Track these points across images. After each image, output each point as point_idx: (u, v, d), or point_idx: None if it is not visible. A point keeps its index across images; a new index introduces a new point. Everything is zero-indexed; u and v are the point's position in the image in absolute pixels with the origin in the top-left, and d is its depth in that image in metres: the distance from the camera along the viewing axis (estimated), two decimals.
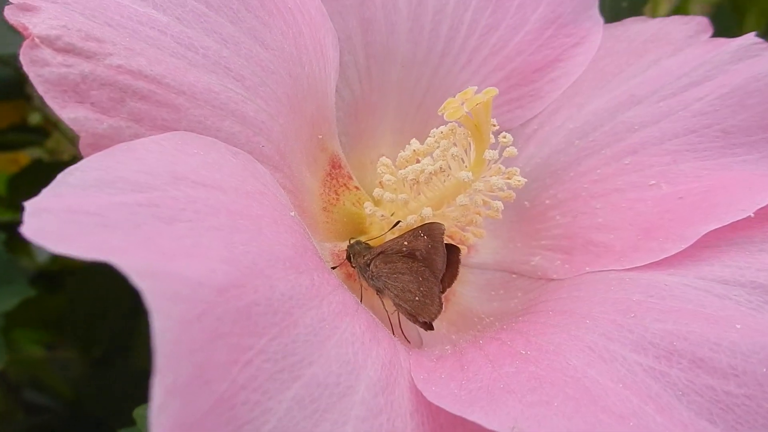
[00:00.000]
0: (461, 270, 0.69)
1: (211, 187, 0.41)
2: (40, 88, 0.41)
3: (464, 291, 0.68)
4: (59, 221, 0.33)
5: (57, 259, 1.57)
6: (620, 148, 0.66)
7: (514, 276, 0.68)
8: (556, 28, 0.75)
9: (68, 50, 0.42)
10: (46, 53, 0.41)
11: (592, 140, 0.68)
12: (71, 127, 0.41)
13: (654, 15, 1.18)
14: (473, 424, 0.44)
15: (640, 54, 0.72)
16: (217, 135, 0.48)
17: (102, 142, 0.42)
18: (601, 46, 0.75)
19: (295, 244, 0.44)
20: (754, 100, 0.59)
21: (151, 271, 0.30)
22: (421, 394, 0.42)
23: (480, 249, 0.72)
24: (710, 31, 0.70)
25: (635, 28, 0.75)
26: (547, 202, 0.69)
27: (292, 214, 0.48)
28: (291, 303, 0.39)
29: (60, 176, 0.37)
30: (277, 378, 0.35)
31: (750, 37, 0.63)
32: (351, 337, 0.42)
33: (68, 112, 0.41)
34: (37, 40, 0.41)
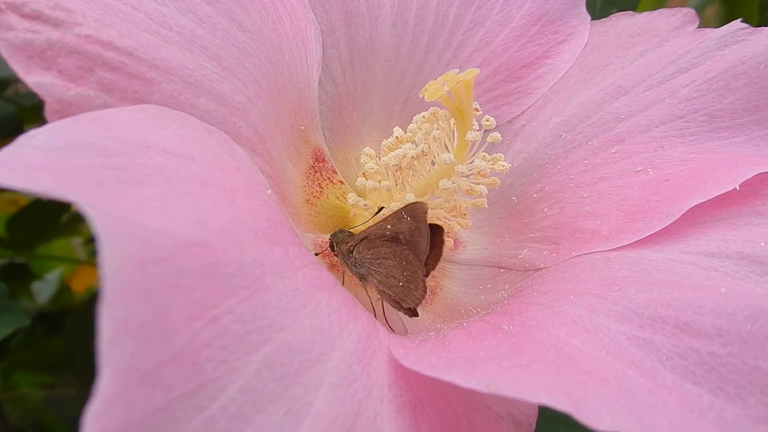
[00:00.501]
0: (449, 266, 0.68)
1: (182, 157, 0.40)
2: (4, 51, 0.40)
3: (451, 286, 0.67)
4: (16, 173, 0.32)
5: (57, 299, 1.57)
6: (607, 138, 0.65)
7: (502, 270, 0.67)
8: (543, 24, 0.75)
9: (35, 17, 0.41)
10: (12, 18, 0.40)
11: (580, 132, 0.67)
12: (36, 92, 0.40)
13: None
14: (455, 401, 0.43)
15: (627, 47, 0.71)
16: (192, 111, 0.47)
17: (69, 110, 0.41)
18: (588, 42, 0.75)
19: (269, 217, 0.43)
20: (739, 83, 0.58)
21: (108, 210, 0.30)
22: (401, 368, 0.41)
23: (468, 245, 0.71)
24: (697, 22, 0.69)
25: (622, 23, 0.74)
26: (535, 195, 0.68)
27: (269, 192, 0.47)
28: (263, 269, 0.37)
29: (22, 138, 0.36)
30: (246, 339, 0.34)
31: (736, 23, 0.62)
32: (327, 309, 0.40)
33: (33, 77, 0.40)
34: (2, 5, 0.40)
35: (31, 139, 0.36)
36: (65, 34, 0.42)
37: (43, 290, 1.60)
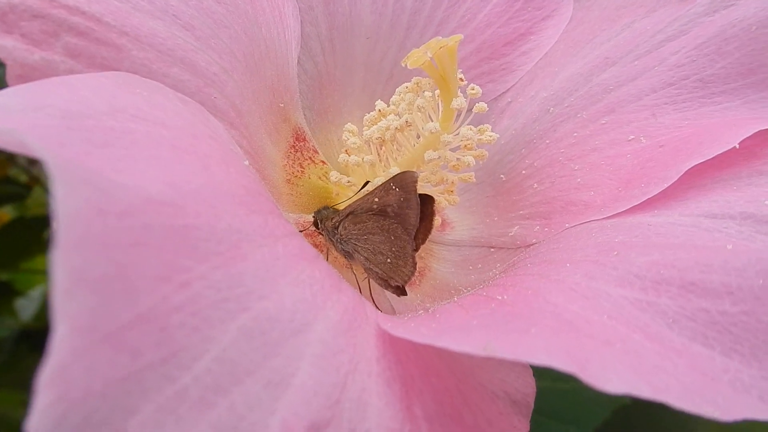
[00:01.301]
0: (437, 248, 0.66)
1: (153, 122, 0.38)
2: None
3: (440, 267, 0.65)
4: None
5: (40, 316, 1.54)
6: (596, 110, 0.63)
7: (492, 250, 0.65)
8: (526, 0, 0.73)
9: None
10: None
11: (568, 105, 0.65)
12: None
13: None
14: (448, 376, 0.41)
15: (613, 20, 0.69)
16: (164, 81, 0.45)
17: (33, 75, 0.39)
18: (573, 17, 0.73)
19: (247, 186, 0.40)
20: (731, 47, 0.56)
21: (69, 159, 0.27)
22: (389, 342, 0.39)
23: (455, 226, 0.68)
24: None
25: None
26: (524, 172, 0.66)
27: (246, 163, 0.44)
28: (239, 236, 0.35)
29: None
30: (221, 307, 0.31)
31: None
32: (309, 280, 0.38)
33: None
34: None
35: None
36: None
37: (27, 307, 1.57)
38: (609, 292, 0.40)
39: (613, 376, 0.30)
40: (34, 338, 1.42)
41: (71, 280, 0.24)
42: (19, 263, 1.40)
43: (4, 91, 0.34)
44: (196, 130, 0.41)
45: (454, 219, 0.68)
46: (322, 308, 0.37)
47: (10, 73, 0.39)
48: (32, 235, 1.35)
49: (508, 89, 0.71)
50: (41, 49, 0.40)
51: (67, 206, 0.25)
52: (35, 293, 1.59)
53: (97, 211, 0.26)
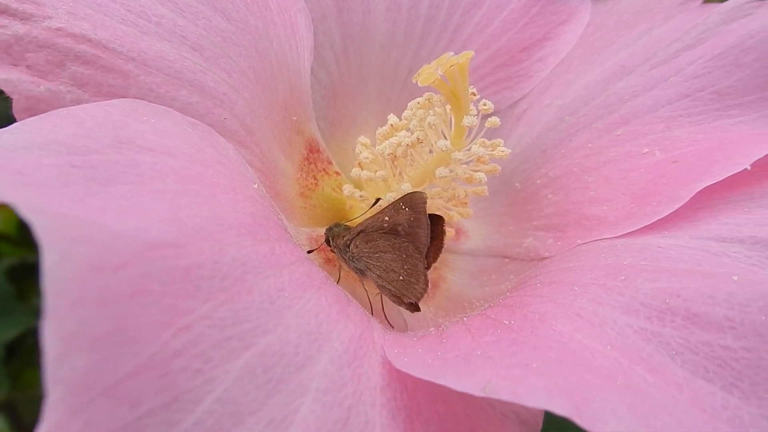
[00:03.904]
0: (452, 257, 0.66)
1: (159, 152, 0.38)
2: None
3: (455, 278, 0.65)
4: None
5: None
6: (612, 120, 0.62)
7: (506, 260, 0.65)
8: (542, 5, 0.72)
9: (1, 11, 0.39)
10: None
11: (583, 115, 0.65)
12: (3, 89, 0.38)
13: None
14: (455, 402, 0.41)
15: (630, 26, 0.69)
16: (173, 105, 0.45)
17: (39, 107, 0.40)
18: (590, 22, 0.72)
19: (254, 213, 0.40)
20: (749, 58, 0.56)
21: (58, 212, 0.27)
22: (395, 370, 0.39)
23: (471, 235, 0.68)
24: None
25: (625, 1, 0.72)
26: (539, 181, 0.66)
27: (255, 186, 0.44)
28: (244, 269, 0.35)
29: None
30: (224, 346, 0.32)
31: None
32: (315, 309, 0.38)
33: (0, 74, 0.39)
34: None
35: None
36: (34, 27, 0.40)
37: None
38: (615, 320, 0.40)
39: (610, 420, 0.30)
40: None
41: (64, 347, 0.24)
42: None
43: (11, 128, 0.35)
44: (205, 156, 0.42)
45: (469, 228, 0.68)
46: (327, 339, 0.37)
47: (16, 107, 0.39)
48: None
49: (524, 96, 0.71)
50: (47, 80, 0.40)
51: (58, 273, 0.25)
52: None
53: (93, 268, 0.26)
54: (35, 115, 0.37)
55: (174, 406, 0.29)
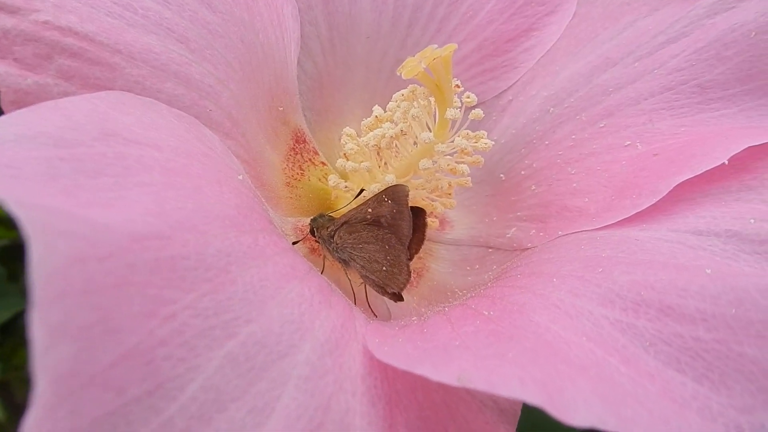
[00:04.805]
0: (435, 247, 0.67)
1: (145, 144, 0.39)
2: None
3: (439, 267, 0.65)
4: None
5: None
6: (596, 112, 0.63)
7: (490, 250, 0.65)
8: None
9: None
10: None
11: (568, 106, 0.66)
12: None
13: None
14: (434, 391, 0.42)
15: (615, 17, 0.69)
16: (158, 97, 0.46)
17: (27, 99, 0.40)
18: (576, 13, 0.72)
19: (239, 204, 0.41)
20: (730, 52, 0.56)
21: (44, 206, 0.28)
22: (376, 358, 0.40)
23: (455, 225, 0.69)
24: None
25: None
26: (523, 172, 0.66)
27: (240, 177, 0.45)
28: (228, 260, 0.36)
29: None
30: (208, 335, 0.33)
31: None
32: (298, 299, 0.39)
33: None
34: None
35: None
36: (21, 21, 0.40)
37: None
38: (591, 311, 0.41)
39: (581, 409, 0.31)
40: None
41: (50, 336, 0.25)
42: None
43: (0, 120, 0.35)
44: (190, 148, 0.42)
45: (453, 218, 0.68)
46: (309, 328, 0.38)
47: (4, 100, 0.40)
48: None
49: (510, 87, 0.71)
50: (35, 73, 0.41)
51: (44, 266, 0.26)
52: None
53: (77, 260, 0.27)
54: (23, 107, 0.37)
55: (159, 393, 0.30)
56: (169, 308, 0.31)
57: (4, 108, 0.40)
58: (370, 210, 0.53)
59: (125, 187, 0.35)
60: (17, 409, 1.25)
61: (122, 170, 0.36)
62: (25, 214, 0.27)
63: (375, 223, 0.53)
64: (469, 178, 0.61)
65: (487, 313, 0.44)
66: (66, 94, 0.41)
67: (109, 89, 0.43)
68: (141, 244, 0.31)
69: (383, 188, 0.55)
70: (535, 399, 0.31)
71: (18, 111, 0.37)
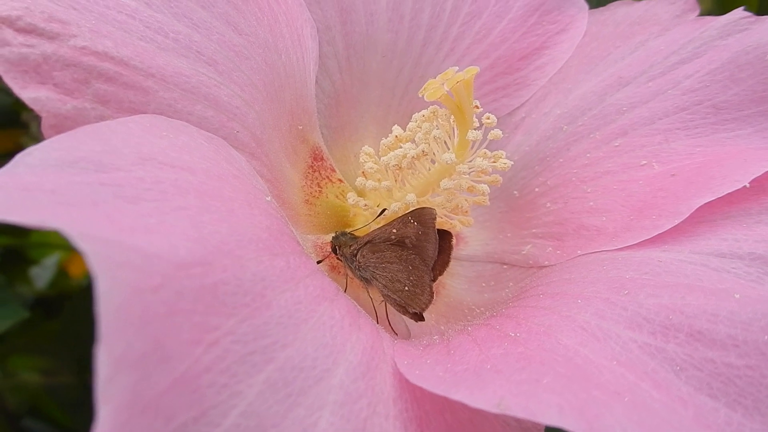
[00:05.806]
0: (451, 263, 0.67)
1: (179, 168, 0.39)
2: (0, 68, 0.39)
3: (454, 283, 0.66)
4: (11, 197, 0.31)
5: (55, 284, 1.56)
6: (610, 131, 0.64)
7: (505, 267, 0.66)
8: (540, 14, 0.73)
9: (30, 30, 0.40)
10: (7, 33, 0.40)
11: (581, 124, 0.66)
12: (32, 107, 0.40)
13: None
14: (461, 410, 0.43)
15: (627, 37, 0.70)
16: (189, 119, 0.46)
17: (66, 124, 0.41)
18: (587, 32, 0.73)
19: (270, 227, 0.42)
20: (744, 74, 0.57)
21: (100, 237, 0.29)
22: (405, 380, 0.40)
23: (470, 241, 0.70)
24: (698, 10, 0.68)
25: (621, 11, 0.73)
26: (537, 189, 0.67)
27: (268, 199, 0.46)
28: (263, 284, 0.37)
29: (18, 156, 0.35)
30: (248, 360, 0.33)
31: (738, 12, 0.61)
32: (329, 321, 0.40)
33: (29, 93, 0.40)
34: None
35: (26, 157, 0.35)
36: (60, 46, 0.41)
37: (41, 276, 1.59)
38: (619, 334, 0.41)
39: None
40: (49, 305, 1.45)
41: (113, 369, 0.26)
42: (32, 232, 1.41)
43: (41, 146, 0.36)
44: (221, 170, 0.43)
45: (467, 234, 0.69)
46: (341, 351, 0.38)
47: (44, 124, 0.40)
48: None
49: (523, 104, 0.72)
50: (73, 98, 0.41)
51: (108, 299, 0.26)
52: (49, 262, 1.60)
53: (135, 291, 0.28)
54: (62, 131, 0.38)
55: (203, 419, 0.30)
56: (213, 335, 0.32)
57: (44, 132, 0.40)
58: (394, 230, 0.54)
59: (164, 212, 0.35)
60: (9, 417, 1.25)
61: (160, 195, 0.36)
62: (90, 248, 0.27)
63: (399, 243, 0.54)
64: (487, 196, 0.61)
65: (513, 334, 0.44)
66: (102, 118, 0.42)
67: (143, 112, 0.44)
68: (186, 271, 0.32)
69: (404, 210, 0.56)
70: (575, 427, 0.31)
71: (58, 136, 0.37)
